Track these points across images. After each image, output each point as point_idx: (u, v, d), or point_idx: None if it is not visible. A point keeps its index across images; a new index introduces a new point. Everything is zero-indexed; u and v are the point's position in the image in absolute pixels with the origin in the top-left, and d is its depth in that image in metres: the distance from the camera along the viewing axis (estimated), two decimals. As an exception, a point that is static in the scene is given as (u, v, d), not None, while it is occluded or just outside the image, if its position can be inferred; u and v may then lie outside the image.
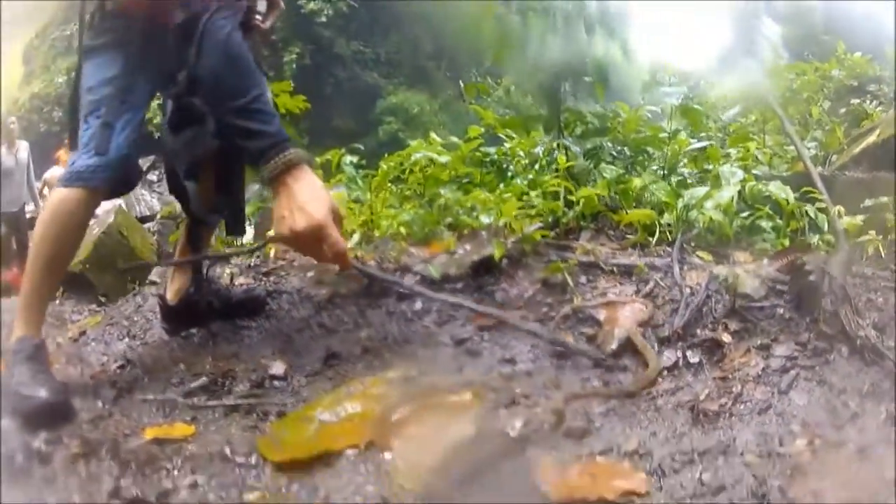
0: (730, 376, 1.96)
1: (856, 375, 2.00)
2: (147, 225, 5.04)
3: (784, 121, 4.12)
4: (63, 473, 1.72)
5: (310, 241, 1.77)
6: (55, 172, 8.18)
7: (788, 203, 3.19)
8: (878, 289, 2.53)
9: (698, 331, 2.12)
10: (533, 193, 3.16)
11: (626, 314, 2.12)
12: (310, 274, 2.92)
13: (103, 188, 2.09)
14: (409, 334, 2.24)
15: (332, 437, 1.68)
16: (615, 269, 2.51)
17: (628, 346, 2.04)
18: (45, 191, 7.96)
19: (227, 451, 1.75)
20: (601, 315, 2.15)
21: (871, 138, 4.41)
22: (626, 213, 2.93)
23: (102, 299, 3.40)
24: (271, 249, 3.20)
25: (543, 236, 2.72)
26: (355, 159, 4.15)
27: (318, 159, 4.22)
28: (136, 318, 2.92)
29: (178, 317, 2.51)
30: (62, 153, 8.96)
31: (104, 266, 4.03)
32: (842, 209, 3.14)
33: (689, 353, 2.01)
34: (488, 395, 1.75)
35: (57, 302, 3.78)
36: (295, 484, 1.58)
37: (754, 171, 3.89)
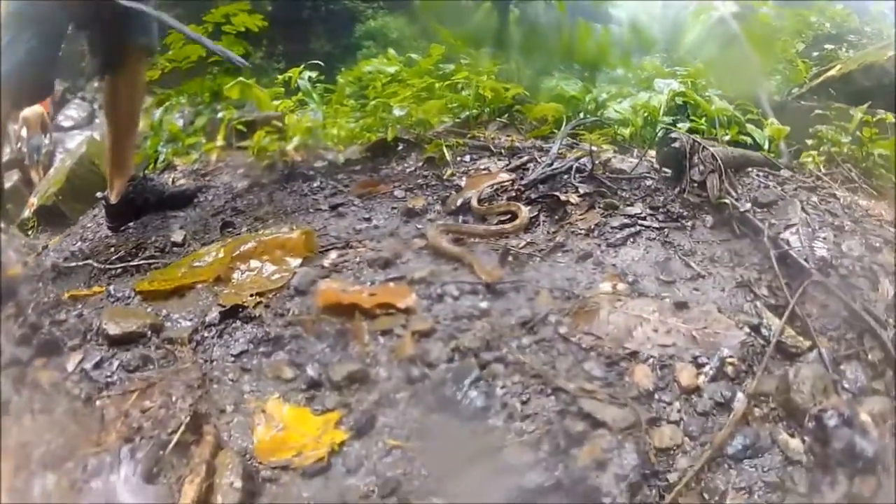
0: (561, 229, 2.08)
1: (717, 243, 2.02)
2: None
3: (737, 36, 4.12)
4: (-6, 326, 2.10)
5: None
6: (30, 110, 8.53)
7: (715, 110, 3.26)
8: (785, 185, 2.52)
9: (549, 193, 2.25)
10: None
11: (486, 182, 2.29)
12: (239, 171, 3.20)
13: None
14: (299, 206, 2.48)
15: (192, 275, 1.95)
16: (503, 150, 2.67)
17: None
18: (23, 131, 8.30)
19: (113, 291, 2.06)
20: (464, 182, 2.34)
21: (832, 72, 4.38)
22: (535, 107, 3.06)
23: (75, 228, 3.73)
24: (213, 154, 3.49)
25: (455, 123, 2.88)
26: (314, 75, 4.35)
27: (280, 77, 4.44)
28: (89, 226, 3.32)
29: (119, 214, 2.84)
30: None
31: (77, 196, 4.31)
32: (775, 120, 3.18)
33: (528, 208, 2.16)
34: (328, 240, 1.99)
35: (30, 235, 4.19)
36: (150, 307, 1.87)
37: (707, 93, 3.91)
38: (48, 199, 4.37)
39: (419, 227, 2.07)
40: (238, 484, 1.13)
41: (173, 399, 1.27)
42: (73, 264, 2.43)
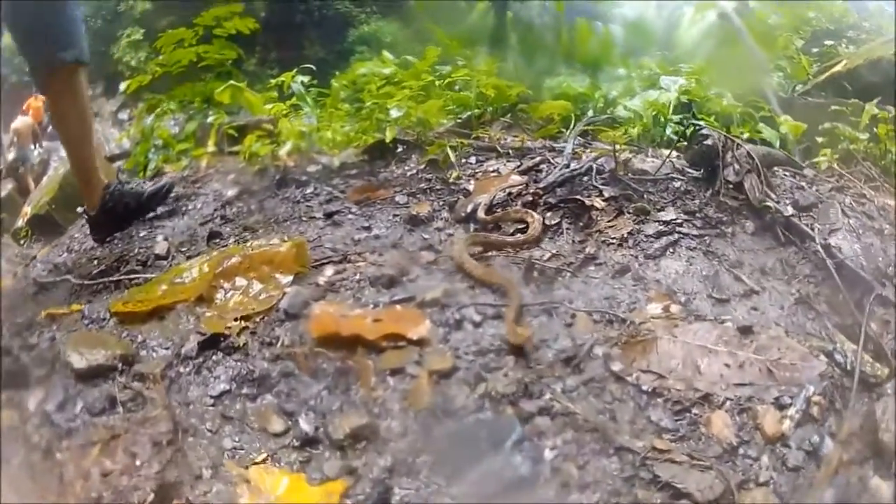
0: (590, 239, 1.90)
1: (762, 252, 1.85)
2: (117, 164, 5.18)
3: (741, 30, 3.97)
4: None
5: None
6: (21, 122, 8.33)
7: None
8: (817, 185, 2.38)
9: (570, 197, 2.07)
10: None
11: (496, 185, 2.11)
12: (230, 177, 3.01)
13: None
14: (291, 214, 2.29)
15: (172, 294, 1.76)
16: (511, 151, 2.49)
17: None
18: (14, 140, 8.14)
19: (87, 312, 1.88)
20: (472, 186, 2.15)
21: (837, 67, 4.23)
22: (541, 105, 2.88)
23: (68, 238, 3.55)
24: (204, 160, 3.31)
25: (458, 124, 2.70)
26: (306, 79, 4.17)
27: (273, 81, 4.27)
28: (76, 236, 3.14)
29: (101, 225, 2.66)
30: (32, 101, 9.14)
31: (70, 205, 4.13)
32: (789, 118, 3.03)
33: (548, 214, 1.97)
34: (322, 252, 1.79)
35: (23, 245, 4.00)
36: (125, 331, 1.68)
37: (712, 91, 3.76)
38: (41, 208, 4.22)
39: (425, 236, 1.87)
40: None
41: (138, 463, 1.07)
42: (53, 279, 2.25)
